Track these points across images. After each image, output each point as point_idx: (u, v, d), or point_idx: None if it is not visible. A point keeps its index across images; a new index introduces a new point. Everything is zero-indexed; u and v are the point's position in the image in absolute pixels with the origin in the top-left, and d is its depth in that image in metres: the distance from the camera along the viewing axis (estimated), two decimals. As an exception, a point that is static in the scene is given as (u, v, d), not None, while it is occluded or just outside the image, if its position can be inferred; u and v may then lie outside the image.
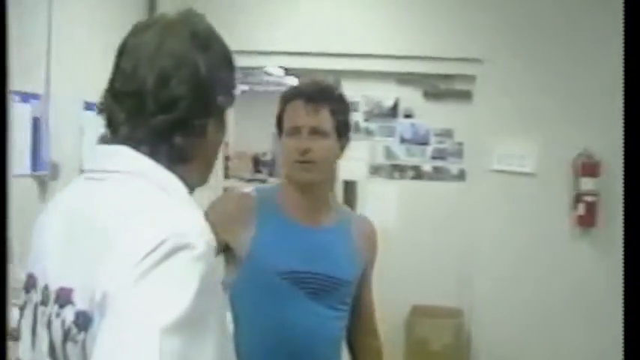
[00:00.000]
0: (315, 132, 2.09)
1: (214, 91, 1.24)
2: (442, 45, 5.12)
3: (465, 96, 5.25)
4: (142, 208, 1.12)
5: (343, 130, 2.19)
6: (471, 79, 5.17)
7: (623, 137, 1.94)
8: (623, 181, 2.06)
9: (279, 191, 2.21)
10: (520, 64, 5.00)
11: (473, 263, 5.11)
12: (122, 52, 1.24)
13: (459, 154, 5.34)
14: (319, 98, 2.12)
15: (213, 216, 2.07)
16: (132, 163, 1.18)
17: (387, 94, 5.43)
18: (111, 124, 1.23)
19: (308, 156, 2.08)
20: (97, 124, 1.32)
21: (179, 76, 1.19)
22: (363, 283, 2.28)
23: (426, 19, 5.15)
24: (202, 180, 1.31)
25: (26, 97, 3.30)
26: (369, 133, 5.44)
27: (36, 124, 3.36)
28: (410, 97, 5.39)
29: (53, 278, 1.17)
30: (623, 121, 2.07)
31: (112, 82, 1.23)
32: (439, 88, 5.34)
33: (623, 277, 1.87)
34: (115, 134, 1.22)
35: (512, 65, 5.01)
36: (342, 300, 2.18)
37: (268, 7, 5.23)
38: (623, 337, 1.79)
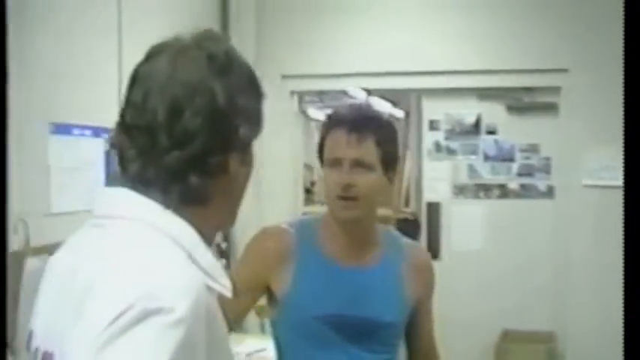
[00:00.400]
0: (359, 165, 1.90)
1: (235, 121, 1.09)
2: (524, 57, 4.92)
3: (551, 108, 5.02)
4: (120, 263, 0.99)
5: (391, 162, 1.98)
6: (555, 90, 4.95)
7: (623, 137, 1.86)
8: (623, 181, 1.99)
9: (320, 227, 2.04)
10: (606, 71, 4.72)
11: (566, 284, 4.85)
12: (133, 81, 1.12)
13: (546, 169, 5.12)
14: (363, 127, 1.92)
15: (252, 255, 2.04)
16: (132, 208, 1.06)
17: (468, 110, 5.27)
18: (121, 160, 1.10)
19: (351, 192, 1.90)
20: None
21: (193, 107, 1.06)
22: (418, 316, 2.12)
23: (505, 32, 4.96)
24: (227, 221, 1.19)
25: (98, 131, 3.33)
26: (450, 152, 5.29)
27: (109, 159, 3.39)
28: (492, 113, 5.22)
29: (41, 340, 1.08)
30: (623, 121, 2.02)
31: (123, 114, 1.11)
32: (523, 102, 5.14)
33: (623, 276, 1.80)
34: (125, 172, 1.09)
35: (599, 73, 4.75)
36: (386, 342, 2.03)
37: (345, 28, 5.17)
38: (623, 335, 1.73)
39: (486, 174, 5.23)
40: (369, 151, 1.91)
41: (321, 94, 5.65)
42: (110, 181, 1.14)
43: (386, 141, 1.95)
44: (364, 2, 5.18)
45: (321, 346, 1.95)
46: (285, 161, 5.38)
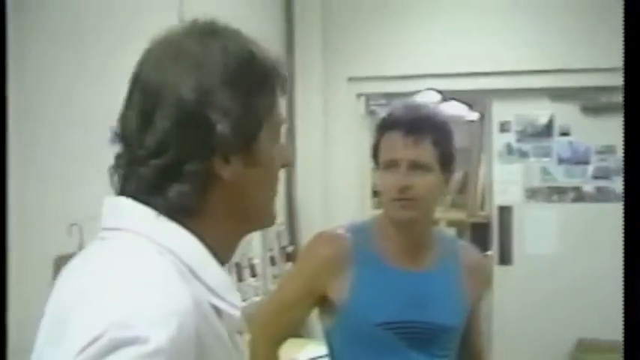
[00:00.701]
0: (416, 166, 1.88)
1: (211, 119, 0.96)
2: (599, 55, 4.71)
3: (628, 108, 4.81)
4: (102, 284, 0.89)
5: (447, 162, 1.95)
6: (633, 89, 4.73)
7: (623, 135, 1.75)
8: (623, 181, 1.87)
9: (376, 231, 2.01)
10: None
11: (645, 292, 4.63)
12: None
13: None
14: (420, 128, 1.89)
15: (309, 262, 2.01)
16: (133, 220, 0.98)
17: (540, 111, 5.09)
18: (113, 170, 1.03)
19: (408, 193, 1.88)
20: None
21: (162, 110, 0.95)
22: (472, 317, 2.10)
23: (578, 29, 4.78)
24: (244, 229, 1.07)
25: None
26: (522, 154, 5.12)
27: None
28: (566, 113, 5.03)
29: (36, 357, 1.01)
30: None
31: None
32: (598, 102, 4.92)
33: (623, 277, 1.71)
34: (114, 181, 1.03)
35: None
36: (446, 346, 2.00)
37: (413, 29, 5.11)
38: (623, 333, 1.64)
39: (560, 177, 5.04)
40: (426, 152, 1.89)
41: (388, 97, 5.56)
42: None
43: (442, 141, 1.92)
44: (432, 2, 5.08)
45: (382, 353, 1.92)
46: (352, 164, 5.33)
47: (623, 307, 1.76)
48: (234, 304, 0.99)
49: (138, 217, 0.98)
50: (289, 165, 1.14)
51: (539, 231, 5.04)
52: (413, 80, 5.25)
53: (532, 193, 5.10)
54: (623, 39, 1.87)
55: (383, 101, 5.71)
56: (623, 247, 1.79)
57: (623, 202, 1.90)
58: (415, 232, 1.98)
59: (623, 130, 1.88)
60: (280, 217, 5.31)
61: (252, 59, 1.03)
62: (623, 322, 1.76)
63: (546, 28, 4.85)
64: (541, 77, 4.91)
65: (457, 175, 10.24)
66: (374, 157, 2.00)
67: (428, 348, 1.94)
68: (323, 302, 1.98)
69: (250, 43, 1.05)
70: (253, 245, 4.76)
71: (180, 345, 0.84)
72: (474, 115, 8.12)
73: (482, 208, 7.56)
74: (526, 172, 5.11)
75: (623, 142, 1.84)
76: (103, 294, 0.87)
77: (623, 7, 4.65)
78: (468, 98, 7.83)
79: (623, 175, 2.05)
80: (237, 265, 4.58)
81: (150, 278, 0.90)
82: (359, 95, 5.38)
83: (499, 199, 5.22)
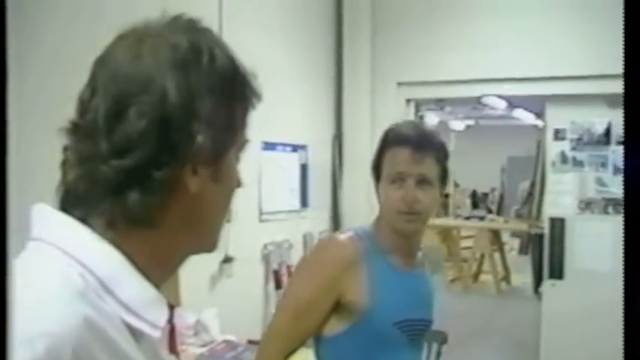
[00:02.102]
0: (422, 181, 1.99)
1: (191, 127, 0.88)
2: (660, 59, 4.45)
3: (692, 116, 4.52)
4: None
5: (444, 178, 2.08)
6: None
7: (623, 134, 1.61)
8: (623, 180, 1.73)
9: (378, 235, 2.09)
10: None
11: None
12: (90, 73, 0.95)
13: (685, 184, 4.60)
14: (426, 145, 2.00)
15: (324, 267, 2.04)
16: (47, 228, 0.90)
17: (597, 118, 4.84)
18: (63, 165, 0.93)
19: (415, 207, 1.98)
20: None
21: (138, 107, 0.87)
22: None
23: None
24: (196, 247, 0.98)
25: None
26: (577, 163, 4.89)
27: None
28: (624, 121, 4.76)
29: None
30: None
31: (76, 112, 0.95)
32: (659, 109, 4.65)
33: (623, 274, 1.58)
34: (63, 179, 0.93)
35: None
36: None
37: (463, 33, 4.96)
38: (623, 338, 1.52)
39: (617, 188, 4.78)
40: (432, 167, 2.00)
41: (440, 102, 5.42)
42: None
43: (443, 158, 2.04)
44: (482, 6, 4.93)
45: (391, 351, 2.00)
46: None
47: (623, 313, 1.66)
48: (152, 322, 0.89)
49: (54, 227, 0.90)
50: (240, 187, 1.02)
51: (592, 244, 4.80)
52: (465, 85, 5.11)
53: (586, 205, 4.86)
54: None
55: (434, 106, 5.58)
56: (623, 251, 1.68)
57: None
58: (414, 239, 2.09)
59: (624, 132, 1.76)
60: (325, 224, 5.22)
61: (236, 68, 0.95)
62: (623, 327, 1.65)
63: (604, 32, 4.61)
64: (599, 83, 4.67)
65: (524, 185, 9.96)
66: (374, 170, 2.06)
67: (420, 343, 2.12)
68: (336, 307, 2.00)
69: (230, 49, 0.96)
70: (293, 252, 4.68)
71: None
72: (541, 123, 7.91)
73: (539, 218, 7.32)
74: (581, 183, 4.87)
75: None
76: None
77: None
78: (534, 106, 7.60)
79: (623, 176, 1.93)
80: (276, 273, 4.50)
81: (31, 297, 0.80)
82: (408, 100, 5.25)
83: (551, 210, 4.99)
